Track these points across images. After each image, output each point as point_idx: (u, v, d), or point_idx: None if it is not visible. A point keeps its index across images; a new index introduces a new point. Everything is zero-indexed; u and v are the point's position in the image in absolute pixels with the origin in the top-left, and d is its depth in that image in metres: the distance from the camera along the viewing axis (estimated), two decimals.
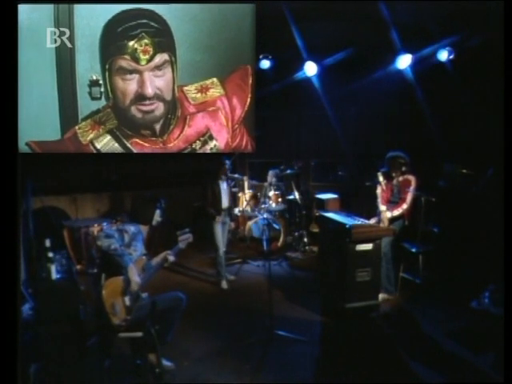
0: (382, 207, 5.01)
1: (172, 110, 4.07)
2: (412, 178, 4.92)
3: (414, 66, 6.34)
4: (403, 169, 4.97)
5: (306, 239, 7.16)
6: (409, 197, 4.87)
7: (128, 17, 3.83)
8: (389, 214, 4.92)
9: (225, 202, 5.64)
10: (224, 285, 5.54)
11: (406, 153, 5.04)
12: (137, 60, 3.86)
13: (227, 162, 5.67)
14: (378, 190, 5.14)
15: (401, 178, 4.99)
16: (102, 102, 3.95)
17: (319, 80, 6.93)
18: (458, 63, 6.16)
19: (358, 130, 7.62)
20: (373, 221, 4.98)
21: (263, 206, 6.79)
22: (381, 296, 4.86)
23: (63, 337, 3.73)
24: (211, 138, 4.17)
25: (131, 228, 3.51)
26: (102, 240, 3.28)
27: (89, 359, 3.67)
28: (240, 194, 7.32)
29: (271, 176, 7.26)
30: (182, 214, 6.78)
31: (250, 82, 4.11)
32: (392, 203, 5.02)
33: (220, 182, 5.62)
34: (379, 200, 5.10)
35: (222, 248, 5.56)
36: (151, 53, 3.88)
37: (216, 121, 4.16)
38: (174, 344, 3.70)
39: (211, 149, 4.18)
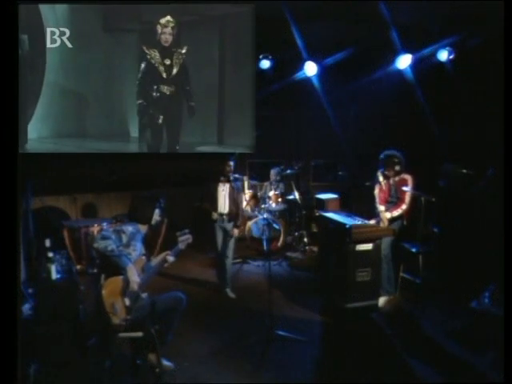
0: (381, 207, 5.00)
1: None
2: (408, 178, 4.90)
3: (414, 65, 6.33)
4: (397, 168, 4.91)
5: (306, 239, 7.16)
6: (407, 197, 4.85)
7: None
8: (388, 215, 4.91)
9: (223, 206, 5.17)
10: (229, 293, 5.29)
11: (401, 152, 4.99)
12: None
13: (231, 163, 5.06)
14: (376, 190, 5.13)
15: (397, 178, 4.96)
16: None
17: (319, 80, 6.92)
18: (458, 63, 6.16)
19: (357, 129, 7.62)
20: (373, 221, 4.98)
21: (263, 205, 6.79)
22: (381, 299, 4.86)
23: (63, 337, 3.72)
24: None
25: (129, 228, 3.49)
26: (99, 242, 3.27)
27: (89, 359, 3.67)
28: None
29: (274, 174, 7.27)
30: (182, 214, 6.78)
31: None
32: (390, 203, 5.01)
33: (220, 184, 5.14)
34: (377, 200, 5.10)
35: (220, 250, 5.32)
36: None
37: None
38: (174, 344, 3.70)
39: None
